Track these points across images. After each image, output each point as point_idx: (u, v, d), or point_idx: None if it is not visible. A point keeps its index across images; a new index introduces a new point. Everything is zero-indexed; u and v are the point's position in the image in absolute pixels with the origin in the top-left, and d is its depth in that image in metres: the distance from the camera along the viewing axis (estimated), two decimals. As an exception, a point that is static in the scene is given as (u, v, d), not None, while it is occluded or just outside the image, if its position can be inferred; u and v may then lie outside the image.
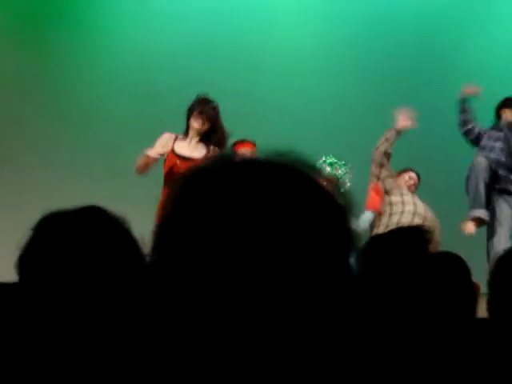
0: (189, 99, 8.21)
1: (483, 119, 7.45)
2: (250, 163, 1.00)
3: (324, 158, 6.75)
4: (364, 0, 9.46)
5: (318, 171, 1.00)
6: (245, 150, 6.16)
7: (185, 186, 1.00)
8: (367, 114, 8.86)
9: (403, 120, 7.00)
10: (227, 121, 6.30)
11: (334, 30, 9.31)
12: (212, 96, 7.72)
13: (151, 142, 6.25)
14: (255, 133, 6.56)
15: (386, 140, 6.97)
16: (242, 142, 6.42)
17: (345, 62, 9.25)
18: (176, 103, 8.35)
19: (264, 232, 0.93)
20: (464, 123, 7.26)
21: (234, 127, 6.29)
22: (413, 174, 7.34)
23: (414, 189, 7.24)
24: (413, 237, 2.40)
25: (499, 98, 7.41)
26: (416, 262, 2.30)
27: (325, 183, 0.99)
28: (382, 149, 6.94)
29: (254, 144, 6.40)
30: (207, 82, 8.66)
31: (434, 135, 8.79)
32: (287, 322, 0.92)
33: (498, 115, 7.26)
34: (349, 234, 0.98)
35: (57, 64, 8.51)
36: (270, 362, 0.92)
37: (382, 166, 6.97)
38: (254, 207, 0.94)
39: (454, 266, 3.11)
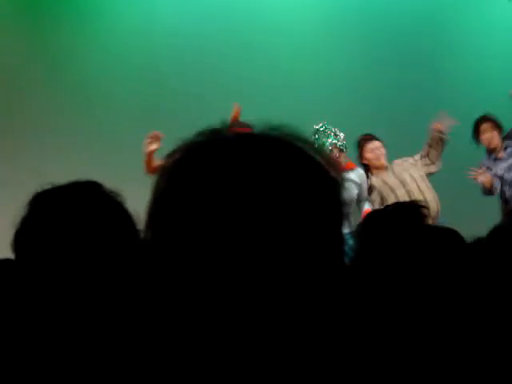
0: (188, 83, 8.25)
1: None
2: (242, 138, 1.00)
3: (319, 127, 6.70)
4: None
5: (310, 144, 1.00)
6: None
7: (177, 162, 1.00)
8: (361, 95, 8.85)
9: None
10: (226, 102, 6.34)
11: (328, 20, 9.28)
12: (211, 79, 7.77)
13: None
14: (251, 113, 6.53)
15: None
16: (239, 125, 6.46)
17: (340, 44, 9.23)
18: (175, 86, 8.40)
19: (257, 205, 0.94)
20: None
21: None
22: (377, 143, 6.89)
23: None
24: (409, 212, 2.40)
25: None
26: (413, 236, 2.29)
27: (317, 155, 0.99)
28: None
29: (250, 128, 6.38)
30: (206, 65, 8.71)
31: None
32: (281, 293, 0.93)
33: (477, 134, 7.14)
34: (340, 205, 0.99)
35: (56, 45, 8.47)
36: (260, 336, 0.93)
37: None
38: (246, 181, 0.95)
39: (451, 240, 3.11)
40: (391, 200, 6.53)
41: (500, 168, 6.97)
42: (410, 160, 6.96)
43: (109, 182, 1.76)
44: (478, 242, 2.53)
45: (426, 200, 6.49)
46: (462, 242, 2.97)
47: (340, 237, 0.98)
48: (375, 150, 6.84)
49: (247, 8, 9.06)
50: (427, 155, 6.90)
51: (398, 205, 2.56)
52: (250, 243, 0.92)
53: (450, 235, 3.01)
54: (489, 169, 7.03)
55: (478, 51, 9.56)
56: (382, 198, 6.69)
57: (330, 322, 0.97)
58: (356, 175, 6.81)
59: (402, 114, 8.62)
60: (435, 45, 9.34)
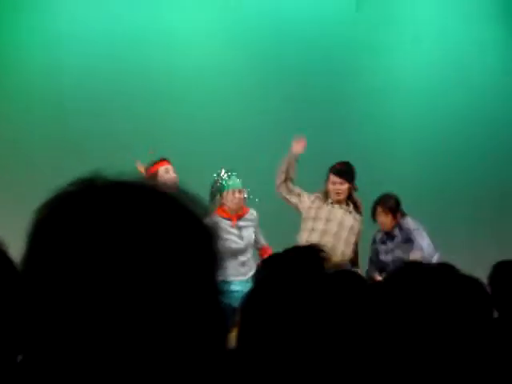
0: (97, 120, 8.20)
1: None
2: (114, 186, 0.99)
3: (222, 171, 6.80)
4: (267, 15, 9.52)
5: (184, 193, 1.00)
6: (163, 168, 6.55)
7: (47, 211, 0.99)
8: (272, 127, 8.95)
9: (297, 145, 6.99)
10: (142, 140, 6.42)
11: (237, 45, 9.37)
12: (121, 118, 7.72)
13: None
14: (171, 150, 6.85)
15: (280, 170, 6.99)
16: (158, 161, 6.64)
17: (250, 76, 9.30)
18: (85, 124, 8.34)
19: (128, 255, 0.93)
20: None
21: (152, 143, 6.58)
22: (337, 179, 6.96)
23: (343, 197, 6.98)
24: (309, 255, 2.42)
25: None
26: (311, 281, 2.29)
27: (190, 204, 0.99)
28: (277, 182, 6.97)
29: (168, 161, 6.68)
30: (117, 104, 8.68)
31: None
32: (148, 347, 0.94)
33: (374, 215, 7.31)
34: (214, 255, 0.99)
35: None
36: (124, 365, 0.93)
37: (289, 194, 6.98)
38: (116, 231, 0.94)
39: (350, 283, 3.13)
40: (305, 229, 6.75)
41: (384, 249, 7.23)
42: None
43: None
44: (378, 284, 2.56)
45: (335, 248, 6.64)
46: (362, 284, 3.00)
47: (215, 287, 0.99)
48: (336, 185, 6.93)
49: (151, 46, 9.06)
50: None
51: (298, 249, 2.57)
52: (118, 295, 0.92)
53: (349, 278, 3.03)
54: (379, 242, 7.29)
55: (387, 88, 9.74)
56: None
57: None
58: (251, 217, 6.92)
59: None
60: (347, 84, 9.48)
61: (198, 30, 9.22)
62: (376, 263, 7.24)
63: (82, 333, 0.92)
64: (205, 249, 0.98)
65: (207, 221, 0.99)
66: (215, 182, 6.79)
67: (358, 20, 9.65)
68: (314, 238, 6.59)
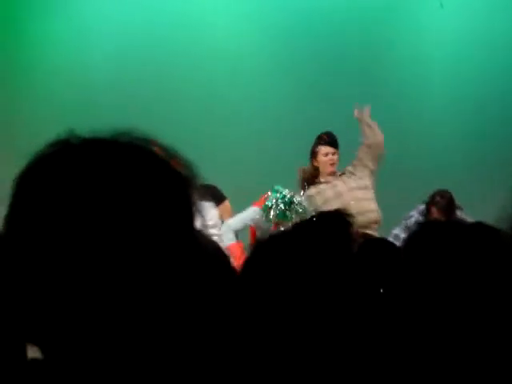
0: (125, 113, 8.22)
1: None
2: (89, 144, 1.01)
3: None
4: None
5: (160, 146, 1.03)
6: None
7: (25, 173, 1.01)
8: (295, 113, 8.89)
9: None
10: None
11: (265, 29, 9.34)
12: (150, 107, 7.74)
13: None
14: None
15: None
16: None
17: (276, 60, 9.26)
18: (112, 118, 8.33)
19: (105, 210, 0.95)
20: None
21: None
22: (330, 149, 6.69)
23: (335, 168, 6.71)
24: (334, 222, 2.35)
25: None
26: (339, 249, 2.22)
27: (169, 157, 1.02)
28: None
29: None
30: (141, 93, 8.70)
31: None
32: (132, 293, 0.96)
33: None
34: (190, 203, 1.01)
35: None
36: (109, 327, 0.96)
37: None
38: (94, 187, 0.96)
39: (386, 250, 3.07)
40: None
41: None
42: (349, 168, 6.83)
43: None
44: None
45: (364, 210, 6.44)
46: (397, 253, 2.94)
47: (192, 232, 1.01)
48: (329, 155, 6.69)
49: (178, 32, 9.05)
50: (359, 158, 6.78)
51: (322, 215, 2.50)
52: (101, 249, 0.94)
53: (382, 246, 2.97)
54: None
55: (411, 52, 9.64)
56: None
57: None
58: None
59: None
60: (368, 47, 9.40)
61: (227, 18, 9.22)
62: None
63: (64, 287, 0.94)
64: (179, 197, 1.00)
65: (185, 172, 1.01)
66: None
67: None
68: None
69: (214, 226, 6.35)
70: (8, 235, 0.99)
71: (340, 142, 6.80)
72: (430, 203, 6.95)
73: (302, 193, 6.62)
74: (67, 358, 0.96)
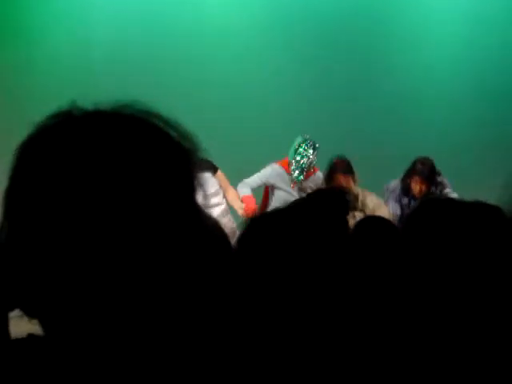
0: (127, 89, 8.16)
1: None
2: (92, 116, 1.00)
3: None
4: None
5: (163, 119, 1.02)
6: None
7: (27, 144, 1.00)
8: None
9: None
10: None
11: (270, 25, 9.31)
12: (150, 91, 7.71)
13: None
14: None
15: None
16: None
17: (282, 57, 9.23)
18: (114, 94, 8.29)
19: (109, 182, 0.95)
20: None
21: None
22: (347, 179, 6.49)
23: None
24: (333, 199, 2.36)
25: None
26: (338, 224, 2.23)
27: (171, 130, 1.01)
28: None
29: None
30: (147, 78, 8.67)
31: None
32: (135, 263, 0.95)
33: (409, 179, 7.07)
34: (192, 174, 1.01)
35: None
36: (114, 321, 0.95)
37: None
38: (97, 158, 0.95)
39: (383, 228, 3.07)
40: None
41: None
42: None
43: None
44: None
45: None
46: (395, 231, 2.94)
47: (193, 205, 1.00)
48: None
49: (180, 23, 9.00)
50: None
51: (320, 192, 2.52)
52: (104, 220, 0.94)
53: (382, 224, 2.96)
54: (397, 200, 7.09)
55: (422, 41, 9.63)
56: None
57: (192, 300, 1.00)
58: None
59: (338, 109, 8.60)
60: (373, 38, 9.37)
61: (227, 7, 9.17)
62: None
63: (66, 261, 0.93)
64: (181, 170, 0.99)
65: (186, 144, 1.01)
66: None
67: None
68: None
69: (216, 194, 6.42)
70: (8, 208, 0.99)
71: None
72: (411, 171, 6.97)
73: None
74: (68, 337, 0.96)
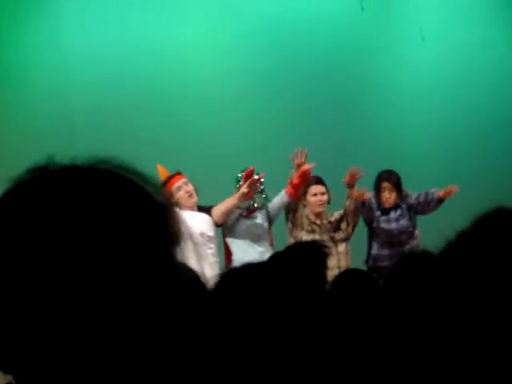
0: (105, 139, 8.18)
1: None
2: (68, 171, 1.00)
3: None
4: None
5: (140, 175, 1.03)
6: (175, 187, 6.54)
7: (2, 202, 1.00)
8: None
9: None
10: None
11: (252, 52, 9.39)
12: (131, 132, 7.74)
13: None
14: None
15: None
16: (173, 176, 6.68)
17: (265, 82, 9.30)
18: (92, 143, 8.28)
19: (84, 237, 0.95)
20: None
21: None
22: (319, 189, 7.02)
23: (324, 209, 7.02)
24: (310, 252, 2.35)
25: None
26: (314, 277, 2.22)
27: (147, 186, 1.02)
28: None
29: (180, 174, 6.74)
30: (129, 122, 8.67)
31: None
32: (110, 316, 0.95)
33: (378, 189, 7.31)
34: (167, 231, 1.01)
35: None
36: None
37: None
38: (71, 214, 0.95)
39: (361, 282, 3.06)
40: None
41: (385, 219, 7.23)
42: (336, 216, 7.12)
43: None
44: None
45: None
46: (375, 285, 2.93)
47: (172, 260, 1.00)
48: (318, 195, 6.96)
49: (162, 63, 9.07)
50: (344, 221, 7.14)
51: (299, 245, 2.51)
52: (77, 274, 0.93)
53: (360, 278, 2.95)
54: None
55: (394, 91, 9.80)
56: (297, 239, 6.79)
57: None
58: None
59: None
60: (352, 85, 9.48)
61: (204, 40, 9.23)
62: (376, 230, 7.21)
63: (39, 319, 0.93)
64: (157, 226, 0.99)
65: (162, 200, 1.02)
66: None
67: (363, 19, 9.67)
68: None
69: (213, 239, 6.55)
70: None
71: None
72: (380, 179, 7.22)
73: None
74: None
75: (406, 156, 9.24)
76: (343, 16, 9.70)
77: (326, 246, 2.41)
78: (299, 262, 2.30)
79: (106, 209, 0.96)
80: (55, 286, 0.93)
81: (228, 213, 6.60)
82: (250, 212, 6.85)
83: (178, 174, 6.67)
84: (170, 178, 6.59)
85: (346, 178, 7.03)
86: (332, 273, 6.18)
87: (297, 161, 6.79)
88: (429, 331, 2.05)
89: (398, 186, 7.22)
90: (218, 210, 6.60)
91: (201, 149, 8.71)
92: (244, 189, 6.49)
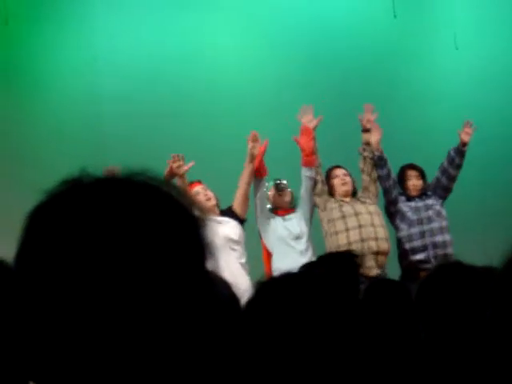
0: (135, 146, 8.21)
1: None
2: (104, 183, 1.01)
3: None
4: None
5: (174, 188, 1.03)
6: (198, 187, 6.69)
7: (38, 211, 1.01)
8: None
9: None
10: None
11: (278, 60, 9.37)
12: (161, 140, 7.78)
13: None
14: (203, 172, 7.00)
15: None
16: (191, 182, 6.75)
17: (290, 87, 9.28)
18: (123, 151, 8.31)
19: (118, 251, 0.95)
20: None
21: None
22: (340, 172, 7.08)
23: (352, 188, 7.03)
24: (343, 262, 2.34)
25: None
26: (348, 289, 2.20)
27: (181, 198, 1.02)
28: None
29: (199, 182, 6.83)
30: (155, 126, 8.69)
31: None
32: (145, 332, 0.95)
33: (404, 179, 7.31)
34: (202, 243, 1.01)
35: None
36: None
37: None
38: (107, 226, 0.96)
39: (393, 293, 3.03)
40: (339, 227, 6.69)
41: (408, 205, 7.14)
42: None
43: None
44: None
45: (376, 237, 6.66)
46: (407, 296, 2.91)
47: (203, 272, 1.01)
48: (340, 176, 7.01)
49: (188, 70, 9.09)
50: (365, 188, 7.09)
51: (332, 255, 2.50)
52: (113, 286, 0.94)
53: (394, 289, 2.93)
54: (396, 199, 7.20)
55: (426, 99, 9.76)
56: (331, 223, 6.80)
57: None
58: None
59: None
60: (385, 93, 9.43)
61: (237, 48, 9.28)
62: (401, 210, 7.11)
63: (76, 326, 0.93)
64: (192, 238, 1.00)
65: (195, 212, 1.02)
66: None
67: (396, 26, 9.66)
68: (354, 237, 6.63)
69: (238, 242, 6.55)
70: (18, 274, 0.99)
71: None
72: (406, 168, 7.29)
73: None
74: None
75: (437, 164, 9.22)
76: (376, 23, 9.68)
77: (358, 256, 2.39)
78: (332, 272, 2.29)
79: (140, 222, 0.96)
80: (91, 300, 0.93)
81: (246, 193, 6.68)
82: (284, 211, 6.88)
83: (198, 181, 6.78)
84: (189, 185, 6.66)
85: (364, 118, 7.20)
86: (366, 230, 6.62)
87: (303, 119, 7.04)
88: (461, 343, 2.03)
89: (423, 174, 7.25)
90: (237, 198, 6.67)
91: (233, 159, 8.74)
92: (250, 149, 6.73)
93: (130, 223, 0.96)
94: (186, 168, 6.59)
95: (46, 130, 8.55)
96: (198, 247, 1.00)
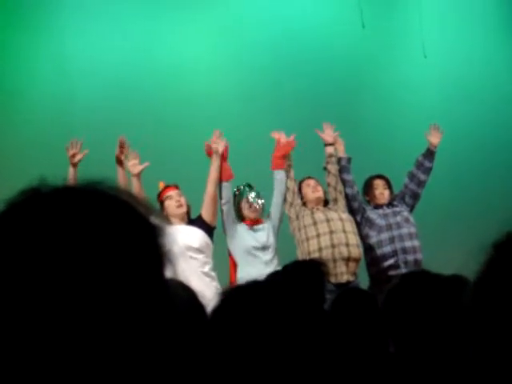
0: (109, 155, 8.18)
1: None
2: (61, 193, 1.01)
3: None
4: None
5: (132, 196, 1.03)
6: (172, 192, 6.62)
7: None
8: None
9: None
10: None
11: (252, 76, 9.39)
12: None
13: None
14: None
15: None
16: (168, 186, 6.72)
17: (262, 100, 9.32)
18: (95, 159, 8.26)
19: (75, 260, 0.95)
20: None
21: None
22: (312, 181, 7.13)
23: (323, 196, 7.08)
24: (309, 270, 2.34)
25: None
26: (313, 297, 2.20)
27: (140, 207, 1.03)
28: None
29: (177, 186, 6.77)
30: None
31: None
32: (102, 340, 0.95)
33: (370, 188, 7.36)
34: (159, 251, 1.02)
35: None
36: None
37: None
38: (64, 235, 0.96)
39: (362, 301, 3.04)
40: (310, 233, 6.73)
41: (377, 213, 7.18)
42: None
43: None
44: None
45: (348, 243, 6.69)
46: (374, 304, 2.91)
47: (162, 280, 1.01)
48: (312, 185, 7.06)
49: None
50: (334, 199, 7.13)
51: (297, 263, 2.50)
52: (70, 294, 0.94)
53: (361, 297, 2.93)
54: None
55: (395, 108, 9.85)
56: (302, 230, 6.83)
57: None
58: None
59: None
60: (353, 102, 9.51)
61: (205, 57, 9.29)
62: (368, 218, 7.14)
63: (29, 336, 0.93)
64: (149, 246, 1.00)
65: (153, 220, 1.03)
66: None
67: (364, 36, 9.72)
68: (325, 243, 6.65)
69: (200, 251, 6.47)
70: None
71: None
72: (373, 178, 7.35)
73: None
74: None
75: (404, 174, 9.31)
76: (344, 33, 9.72)
77: (325, 265, 2.40)
78: (298, 281, 2.29)
79: (97, 231, 0.96)
80: (46, 307, 0.93)
81: (212, 195, 6.64)
82: (253, 223, 6.85)
83: (175, 186, 6.71)
84: (164, 188, 6.64)
85: (325, 133, 7.30)
86: (337, 236, 6.64)
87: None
88: (428, 351, 2.03)
89: (389, 184, 7.32)
90: (205, 201, 6.63)
91: (205, 166, 8.74)
92: (212, 145, 6.78)
93: (86, 232, 0.96)
94: (140, 168, 6.55)
95: (17, 140, 8.52)
96: (155, 255, 1.01)
